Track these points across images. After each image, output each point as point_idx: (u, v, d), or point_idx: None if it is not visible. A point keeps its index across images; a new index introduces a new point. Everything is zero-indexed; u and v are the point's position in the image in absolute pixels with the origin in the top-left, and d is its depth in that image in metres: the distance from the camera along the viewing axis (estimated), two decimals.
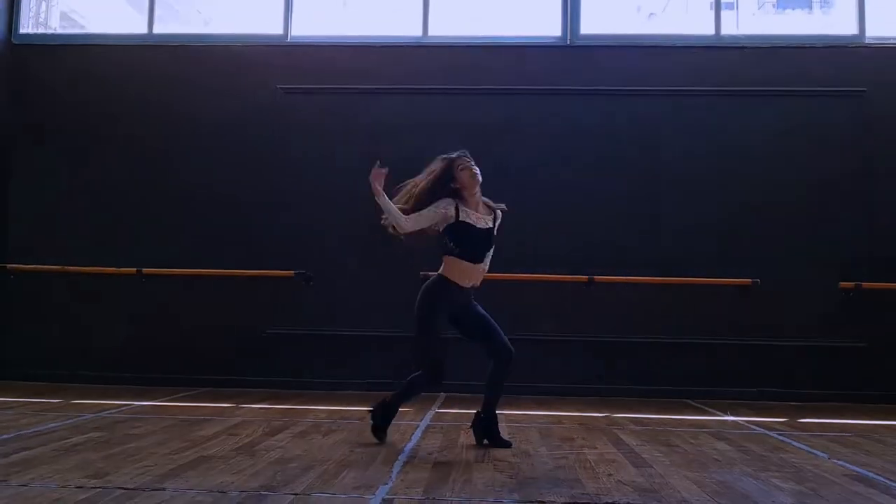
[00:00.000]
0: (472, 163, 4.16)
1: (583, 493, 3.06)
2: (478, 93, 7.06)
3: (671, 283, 6.66)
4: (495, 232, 4.21)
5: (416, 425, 4.84)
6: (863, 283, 6.59)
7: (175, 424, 4.71)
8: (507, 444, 4.12)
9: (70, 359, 6.95)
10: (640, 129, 6.93)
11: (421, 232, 4.16)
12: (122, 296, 7.02)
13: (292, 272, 6.88)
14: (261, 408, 5.57)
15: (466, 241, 4.10)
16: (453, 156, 4.19)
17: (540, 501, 2.93)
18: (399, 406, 4.26)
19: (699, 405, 6.18)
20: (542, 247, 6.72)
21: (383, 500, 2.92)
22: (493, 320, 4.19)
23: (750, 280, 6.62)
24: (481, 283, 4.24)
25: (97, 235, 7.12)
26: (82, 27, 8.49)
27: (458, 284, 4.11)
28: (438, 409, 5.75)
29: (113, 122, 7.25)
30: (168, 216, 7.08)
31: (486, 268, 4.21)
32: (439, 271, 4.18)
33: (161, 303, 6.98)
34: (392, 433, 4.50)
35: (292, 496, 2.93)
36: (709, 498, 3.03)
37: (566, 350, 6.67)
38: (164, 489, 3.00)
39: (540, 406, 5.87)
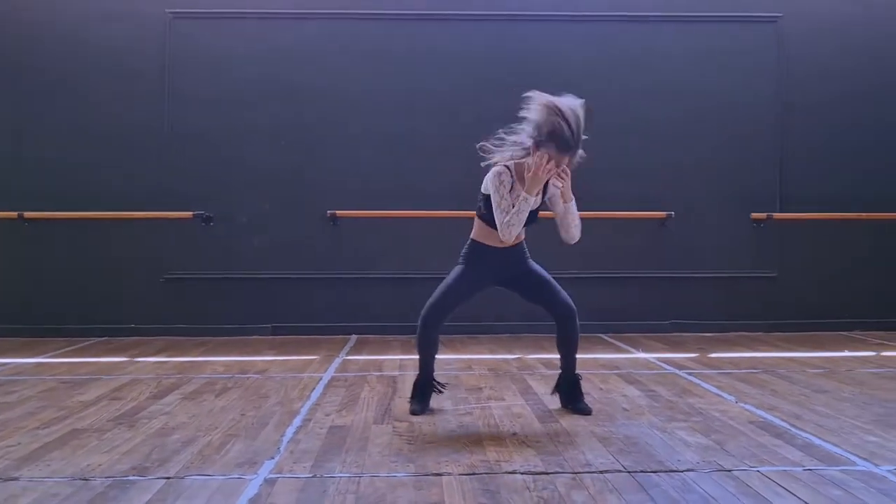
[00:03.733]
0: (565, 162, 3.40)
1: (482, 461, 2.89)
2: (401, 18, 6.60)
3: (585, 217, 6.48)
4: (539, 209, 3.61)
5: (319, 378, 4.60)
6: (774, 214, 6.60)
7: (55, 387, 4.33)
8: (586, 411, 3.66)
9: None
10: (540, 59, 6.54)
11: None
12: (3, 242, 6.45)
13: (191, 213, 6.44)
14: (155, 361, 5.23)
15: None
16: (561, 140, 3.32)
17: (436, 473, 2.74)
18: (430, 374, 3.74)
19: (612, 340, 6.14)
20: (444, 183, 6.34)
21: (265, 479, 2.68)
22: (549, 279, 3.71)
23: (664, 213, 6.53)
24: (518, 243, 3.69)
25: None
26: None
27: (486, 244, 3.63)
28: (347, 355, 5.52)
29: None
30: (51, 155, 6.45)
31: (522, 235, 3.66)
32: (471, 234, 3.70)
33: (48, 249, 6.44)
34: (293, 388, 4.28)
35: (163, 481, 2.66)
36: (613, 460, 2.90)
37: None
38: (17, 478, 2.68)
39: (451, 349, 5.71)
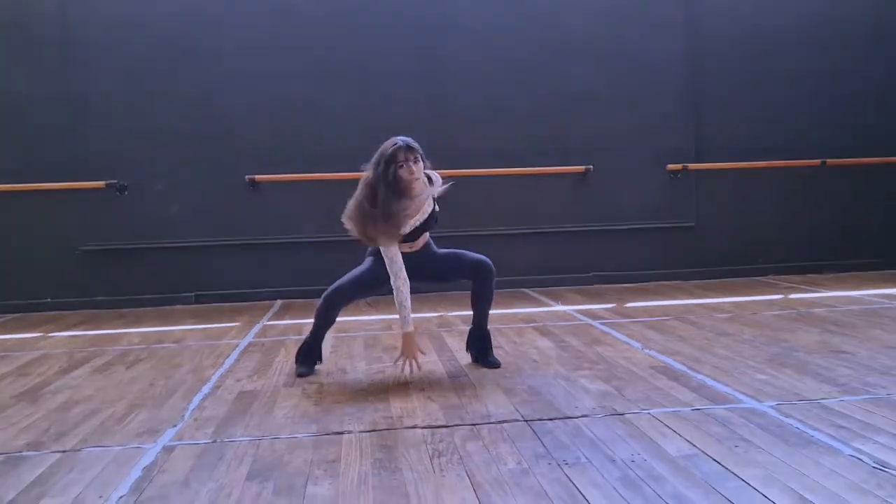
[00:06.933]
0: (409, 158, 3.47)
1: (385, 417, 2.93)
2: None
3: (506, 174, 6.55)
4: (434, 213, 3.69)
5: (236, 344, 4.57)
6: (689, 165, 6.74)
7: None
8: (495, 364, 3.75)
9: None
10: (450, 18, 6.51)
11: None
12: None
13: (104, 183, 6.27)
14: (70, 336, 5.12)
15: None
16: (388, 152, 3.49)
17: (337, 432, 2.77)
18: (319, 343, 3.82)
19: (535, 295, 6.24)
20: (363, 143, 6.31)
21: (164, 447, 2.68)
22: (458, 251, 3.79)
23: (584, 167, 6.62)
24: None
25: None
26: None
27: None
28: (269, 320, 5.49)
29: None
30: None
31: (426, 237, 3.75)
32: None
33: None
34: (208, 356, 4.25)
35: (59, 454, 2.63)
36: (514, 410, 2.98)
37: None
38: None
39: (376, 309, 5.73)
